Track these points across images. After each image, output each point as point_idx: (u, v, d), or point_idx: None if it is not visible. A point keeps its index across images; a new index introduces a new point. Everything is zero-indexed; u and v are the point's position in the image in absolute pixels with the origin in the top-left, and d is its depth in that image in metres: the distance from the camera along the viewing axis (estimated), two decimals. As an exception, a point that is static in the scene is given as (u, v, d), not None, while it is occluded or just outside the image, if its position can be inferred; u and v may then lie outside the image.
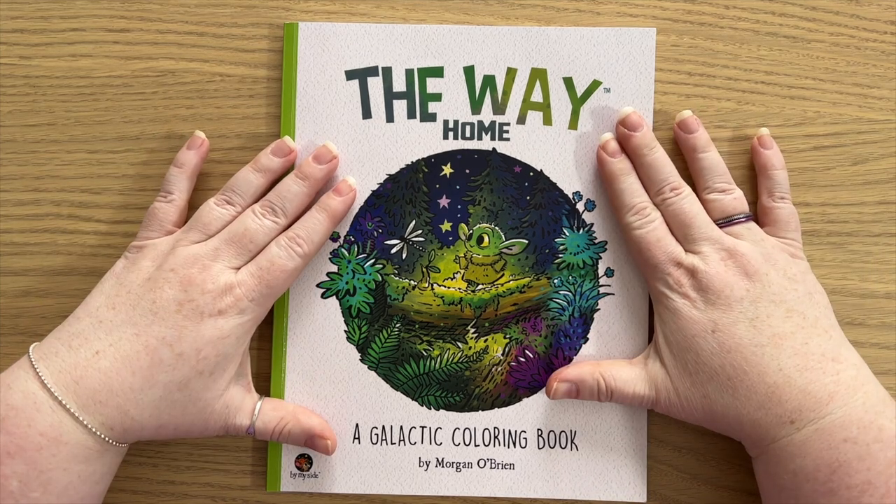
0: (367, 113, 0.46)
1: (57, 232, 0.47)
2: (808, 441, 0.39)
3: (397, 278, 0.46)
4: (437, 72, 0.46)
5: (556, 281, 0.46)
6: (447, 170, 0.46)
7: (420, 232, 0.46)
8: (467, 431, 0.46)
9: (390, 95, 0.46)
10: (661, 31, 0.46)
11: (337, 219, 0.44)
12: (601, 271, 0.46)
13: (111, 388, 0.40)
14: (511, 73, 0.46)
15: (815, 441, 0.39)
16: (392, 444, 0.46)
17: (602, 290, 0.46)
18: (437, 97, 0.46)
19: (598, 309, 0.46)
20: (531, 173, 0.46)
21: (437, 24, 0.46)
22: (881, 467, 0.38)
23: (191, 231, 0.43)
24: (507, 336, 0.46)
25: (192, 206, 0.46)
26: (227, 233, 0.43)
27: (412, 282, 0.46)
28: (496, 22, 0.46)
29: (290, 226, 0.44)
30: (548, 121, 0.46)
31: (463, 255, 0.46)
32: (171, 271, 0.41)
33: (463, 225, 0.46)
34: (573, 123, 0.46)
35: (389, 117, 0.46)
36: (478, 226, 0.46)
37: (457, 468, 0.46)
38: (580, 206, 0.46)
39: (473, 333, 0.46)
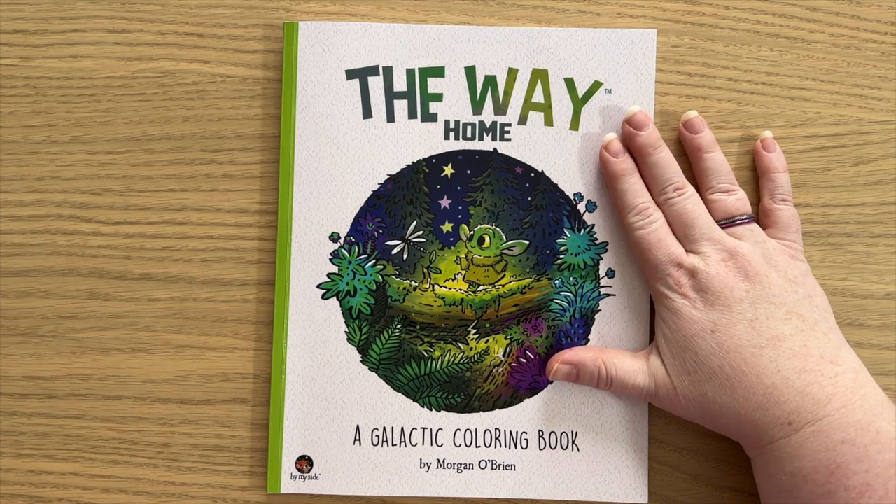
0: (367, 113, 0.46)
1: (57, 233, 0.47)
2: (805, 442, 0.39)
3: (398, 279, 0.46)
4: (439, 72, 0.46)
5: (557, 282, 0.46)
6: (448, 170, 0.46)
7: (421, 233, 0.46)
8: (468, 432, 0.46)
9: (391, 95, 0.46)
10: (662, 32, 0.46)
11: None
12: (602, 272, 0.46)
13: None
14: (512, 74, 0.46)
15: (813, 442, 0.39)
16: (393, 445, 0.46)
17: (603, 291, 0.46)
18: (438, 97, 0.46)
19: (599, 310, 0.46)
20: (532, 174, 0.46)
21: (438, 25, 0.46)
22: (879, 469, 0.38)
23: None
24: (508, 337, 0.46)
25: (188, 206, 0.46)
26: None
27: (413, 283, 0.46)
28: (497, 23, 0.46)
29: None
30: (549, 121, 0.46)
31: (464, 255, 0.46)
32: None
33: (464, 226, 0.46)
34: (574, 124, 0.46)
35: (390, 117, 0.46)
36: (479, 226, 0.46)
37: (458, 469, 0.46)
38: (581, 207, 0.46)
39: (474, 334, 0.46)
